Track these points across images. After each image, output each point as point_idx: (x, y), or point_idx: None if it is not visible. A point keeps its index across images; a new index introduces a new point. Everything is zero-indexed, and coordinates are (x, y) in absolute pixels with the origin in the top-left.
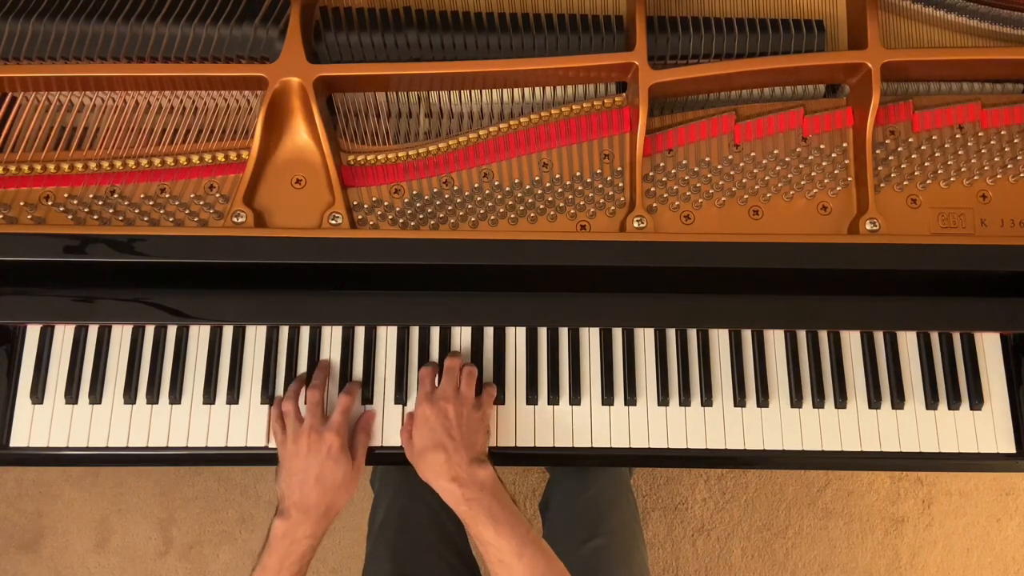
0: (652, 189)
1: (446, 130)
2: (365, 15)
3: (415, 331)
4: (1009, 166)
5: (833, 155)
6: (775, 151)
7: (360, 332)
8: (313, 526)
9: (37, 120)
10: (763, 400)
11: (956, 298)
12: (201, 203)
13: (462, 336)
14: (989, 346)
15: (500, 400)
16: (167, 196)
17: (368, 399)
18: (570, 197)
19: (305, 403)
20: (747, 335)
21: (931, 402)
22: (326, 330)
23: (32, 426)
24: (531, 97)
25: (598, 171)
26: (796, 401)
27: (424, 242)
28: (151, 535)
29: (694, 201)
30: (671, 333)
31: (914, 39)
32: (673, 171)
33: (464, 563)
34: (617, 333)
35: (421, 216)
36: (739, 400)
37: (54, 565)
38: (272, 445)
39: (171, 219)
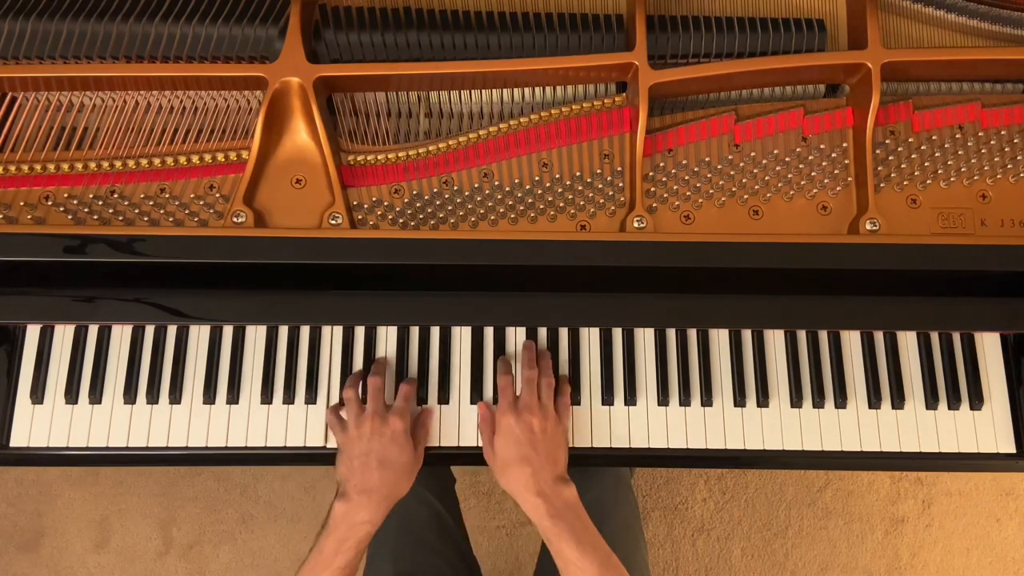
0: (652, 189)
1: (446, 130)
2: (365, 14)
3: (415, 331)
4: (1009, 166)
5: (833, 155)
6: (775, 151)
7: (360, 332)
8: (373, 511)
9: (37, 120)
10: (763, 400)
11: (956, 298)
12: (201, 203)
13: (462, 336)
14: (989, 346)
15: None
16: (167, 196)
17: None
18: (570, 197)
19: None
20: (747, 335)
21: (931, 402)
22: (326, 330)
23: (32, 426)
24: (531, 97)
25: (598, 171)
26: (796, 401)
27: (424, 242)
28: (151, 535)
29: (694, 201)
30: (671, 333)
31: (914, 39)
32: (673, 171)
33: (465, 563)
34: (617, 333)
35: (421, 216)
36: (739, 400)
37: (54, 565)
38: (271, 444)
39: (171, 219)
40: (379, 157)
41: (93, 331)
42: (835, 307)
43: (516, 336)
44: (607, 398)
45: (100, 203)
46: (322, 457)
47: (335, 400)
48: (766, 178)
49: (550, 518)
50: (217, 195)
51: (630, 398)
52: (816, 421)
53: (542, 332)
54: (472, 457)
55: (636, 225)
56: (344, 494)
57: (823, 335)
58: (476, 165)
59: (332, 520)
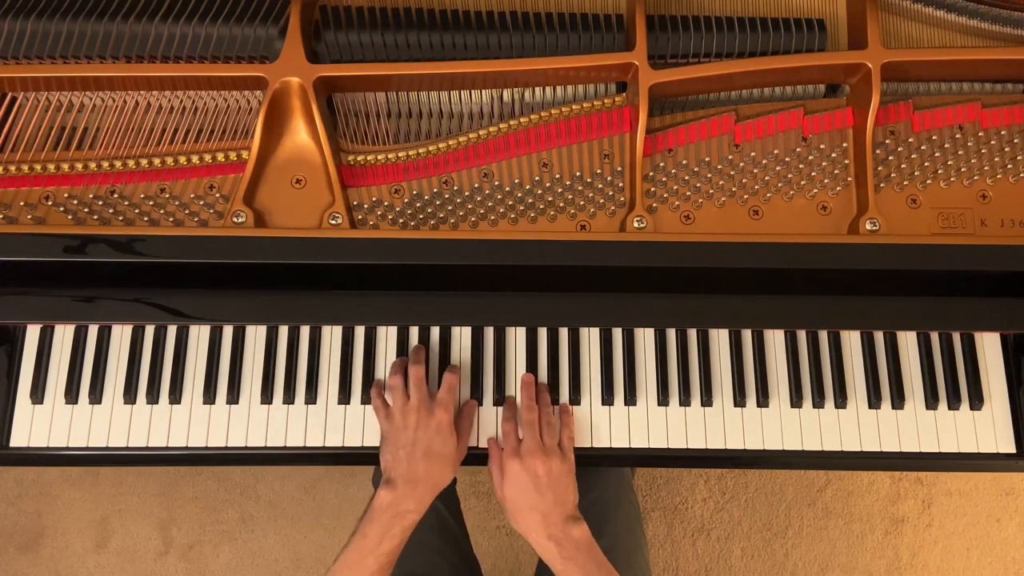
0: (652, 189)
1: (446, 130)
2: (365, 14)
3: (415, 331)
4: (1009, 166)
5: (833, 155)
6: (775, 151)
7: (360, 332)
8: (418, 501)
9: (37, 120)
10: (763, 400)
11: (956, 298)
12: (201, 203)
13: (462, 336)
14: (989, 346)
15: (500, 401)
16: (167, 196)
17: (368, 400)
18: (570, 197)
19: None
20: (747, 335)
21: (931, 402)
22: (326, 330)
23: (32, 426)
24: (531, 97)
25: (598, 171)
26: (796, 401)
27: (424, 242)
28: (151, 535)
29: (694, 201)
30: (671, 333)
31: (914, 39)
32: (673, 171)
33: (466, 563)
34: (617, 333)
35: (421, 216)
36: (739, 400)
37: (54, 565)
38: (271, 444)
39: (171, 219)
40: (379, 157)
41: (93, 331)
42: (835, 307)
43: (516, 336)
44: (607, 398)
45: (100, 203)
46: (322, 457)
47: (335, 400)
48: (766, 178)
49: (562, 560)
50: (217, 195)
51: (630, 398)
52: (816, 421)
53: (542, 332)
54: (472, 457)
55: (636, 225)
56: (390, 481)
57: (823, 335)
58: (476, 165)
59: (377, 507)
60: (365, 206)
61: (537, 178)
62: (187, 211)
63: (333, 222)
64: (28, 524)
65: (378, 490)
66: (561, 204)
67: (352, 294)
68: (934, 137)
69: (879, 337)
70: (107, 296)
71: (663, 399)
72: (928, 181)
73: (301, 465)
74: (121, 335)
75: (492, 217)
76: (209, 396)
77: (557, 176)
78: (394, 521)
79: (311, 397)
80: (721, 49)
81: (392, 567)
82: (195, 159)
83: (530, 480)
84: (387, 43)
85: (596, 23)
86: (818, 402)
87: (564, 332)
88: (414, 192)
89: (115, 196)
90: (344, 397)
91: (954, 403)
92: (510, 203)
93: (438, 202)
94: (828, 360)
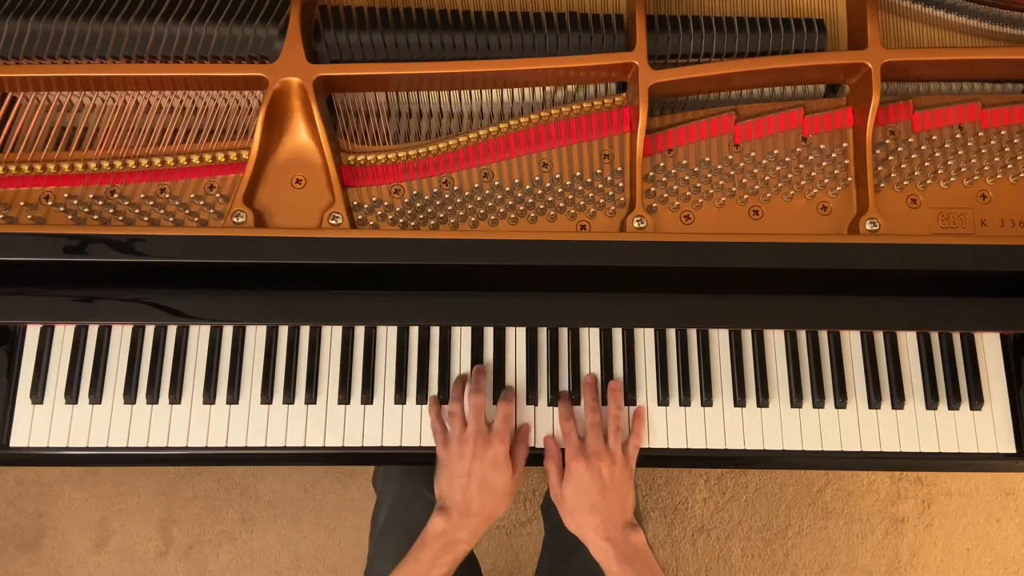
0: (652, 189)
1: (446, 130)
2: (365, 14)
3: (415, 331)
4: (1009, 166)
5: (833, 155)
6: (775, 151)
7: (360, 332)
8: (471, 532)
9: (37, 120)
10: (763, 400)
11: (956, 298)
12: (201, 203)
13: (462, 336)
14: (989, 346)
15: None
16: (167, 196)
17: (368, 400)
18: (570, 197)
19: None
20: (747, 335)
21: (931, 402)
22: (326, 330)
23: (32, 426)
24: (531, 97)
25: (598, 171)
26: (796, 401)
27: (424, 242)
28: (151, 535)
29: (694, 201)
30: (671, 333)
31: (914, 39)
32: (673, 171)
33: (466, 563)
34: (617, 333)
35: (421, 216)
36: (739, 400)
37: (54, 565)
38: (271, 444)
39: (171, 219)
40: (379, 157)
41: (93, 331)
42: (835, 307)
43: (516, 336)
44: (607, 398)
45: (100, 203)
46: (322, 457)
47: (335, 400)
48: (766, 178)
49: (618, 563)
50: (217, 195)
51: (630, 398)
52: (816, 421)
53: (542, 332)
54: None
55: (636, 225)
56: (444, 510)
57: (823, 335)
58: (476, 165)
59: (430, 532)
60: (365, 206)
61: (537, 178)
62: (187, 211)
63: (333, 222)
64: (28, 524)
65: (433, 515)
66: (561, 204)
67: (352, 294)
68: (934, 137)
69: (879, 337)
70: (107, 296)
71: (663, 399)
72: (928, 181)
73: (301, 465)
74: (121, 335)
75: (492, 217)
76: (209, 396)
77: (557, 176)
78: (446, 550)
79: (311, 397)
80: (721, 49)
81: None
82: (195, 159)
83: (593, 482)
84: (387, 43)
85: (596, 23)
86: (818, 402)
87: (564, 332)
88: (414, 192)
89: (115, 196)
90: (344, 397)
91: (954, 403)
92: (510, 203)
93: (438, 202)
94: (828, 360)
